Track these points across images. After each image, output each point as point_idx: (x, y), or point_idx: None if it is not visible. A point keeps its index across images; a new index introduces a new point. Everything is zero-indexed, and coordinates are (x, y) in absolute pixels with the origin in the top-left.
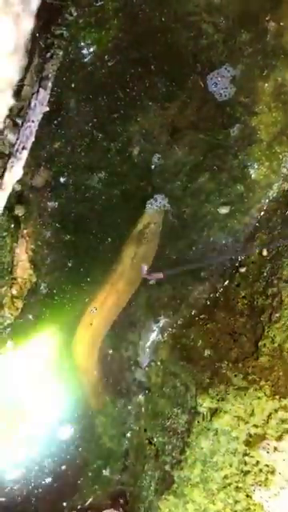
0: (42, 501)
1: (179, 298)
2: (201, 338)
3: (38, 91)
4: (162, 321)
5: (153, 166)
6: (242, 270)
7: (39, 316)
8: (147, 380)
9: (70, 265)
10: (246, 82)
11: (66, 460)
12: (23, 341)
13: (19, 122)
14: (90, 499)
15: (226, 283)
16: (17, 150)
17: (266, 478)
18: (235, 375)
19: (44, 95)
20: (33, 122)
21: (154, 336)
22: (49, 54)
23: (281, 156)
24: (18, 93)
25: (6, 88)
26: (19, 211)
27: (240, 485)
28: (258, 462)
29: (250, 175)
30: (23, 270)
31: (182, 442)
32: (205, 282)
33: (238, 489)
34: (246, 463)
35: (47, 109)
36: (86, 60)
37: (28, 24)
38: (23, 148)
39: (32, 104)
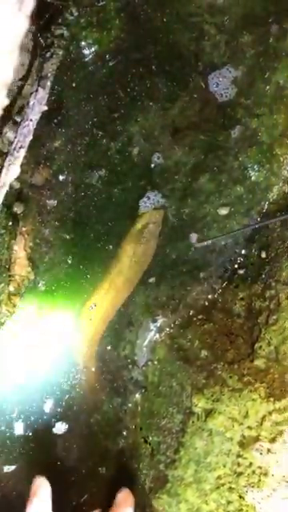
0: None
1: (177, 298)
2: (198, 338)
3: (37, 90)
4: (160, 320)
5: (153, 166)
6: (241, 271)
7: (37, 313)
8: (144, 379)
9: (68, 262)
10: (248, 84)
11: (60, 456)
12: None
13: (19, 120)
14: (85, 496)
15: (225, 284)
16: (14, 149)
17: (259, 480)
18: (230, 376)
19: (43, 94)
20: (31, 120)
21: (151, 335)
22: (49, 54)
23: (281, 158)
24: (19, 92)
25: (1, 88)
26: (18, 209)
27: (233, 486)
28: (251, 464)
29: (250, 177)
30: (21, 267)
31: (176, 442)
32: (203, 282)
33: (230, 489)
34: (239, 464)
35: (46, 108)
36: (87, 59)
37: (23, 24)
38: (21, 147)
39: (31, 103)
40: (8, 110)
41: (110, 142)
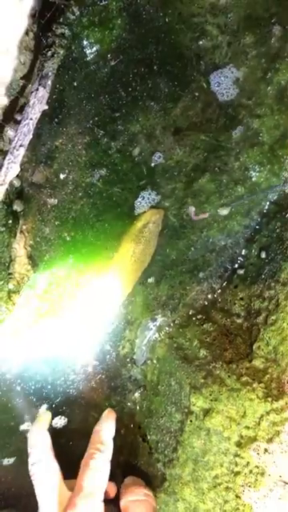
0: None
1: (177, 297)
2: (197, 338)
3: (37, 89)
4: (159, 320)
5: (153, 166)
6: (241, 271)
7: (37, 310)
8: (143, 378)
9: (68, 261)
10: (249, 84)
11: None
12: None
13: (19, 119)
14: None
15: (224, 284)
16: (14, 147)
17: (256, 480)
18: (229, 376)
19: (43, 93)
20: (31, 119)
21: (150, 334)
22: (50, 53)
23: (282, 159)
24: (21, 91)
25: None
26: (18, 207)
27: (230, 485)
28: (248, 463)
29: (250, 177)
30: (21, 265)
31: (174, 441)
32: (203, 282)
33: (227, 489)
34: (236, 464)
35: (46, 107)
36: (88, 59)
37: (22, 24)
38: (21, 145)
39: (31, 102)
40: (9, 108)
41: (111, 141)
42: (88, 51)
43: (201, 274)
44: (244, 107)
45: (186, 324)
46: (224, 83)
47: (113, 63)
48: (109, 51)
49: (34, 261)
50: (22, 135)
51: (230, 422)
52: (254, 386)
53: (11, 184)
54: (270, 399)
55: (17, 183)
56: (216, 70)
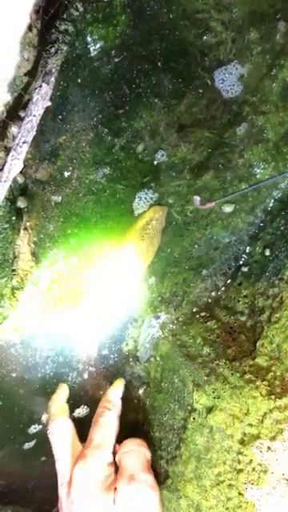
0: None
1: (181, 294)
2: (200, 335)
3: (40, 86)
4: (163, 317)
5: (157, 163)
6: (245, 269)
7: (42, 307)
8: (146, 375)
9: (72, 257)
10: (254, 81)
11: None
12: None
13: (23, 115)
14: None
15: (228, 282)
16: (18, 144)
17: (259, 477)
18: (232, 374)
19: (46, 90)
20: (34, 116)
21: (154, 332)
22: (53, 49)
23: (287, 156)
24: (25, 87)
25: (0, 84)
26: (22, 203)
27: (233, 482)
28: (251, 461)
29: (255, 174)
30: (24, 262)
31: (177, 438)
32: (207, 279)
33: (230, 486)
34: (239, 461)
35: (50, 103)
36: (92, 55)
37: (23, 20)
38: (24, 142)
39: (34, 98)
40: (13, 105)
41: (115, 138)
42: (92, 48)
43: (204, 272)
44: (248, 104)
45: (190, 321)
46: (228, 80)
47: (117, 60)
48: (113, 48)
49: (37, 257)
50: (25, 132)
51: (232, 420)
52: (258, 383)
53: (15, 181)
54: (273, 397)
55: (20, 180)
56: (220, 66)
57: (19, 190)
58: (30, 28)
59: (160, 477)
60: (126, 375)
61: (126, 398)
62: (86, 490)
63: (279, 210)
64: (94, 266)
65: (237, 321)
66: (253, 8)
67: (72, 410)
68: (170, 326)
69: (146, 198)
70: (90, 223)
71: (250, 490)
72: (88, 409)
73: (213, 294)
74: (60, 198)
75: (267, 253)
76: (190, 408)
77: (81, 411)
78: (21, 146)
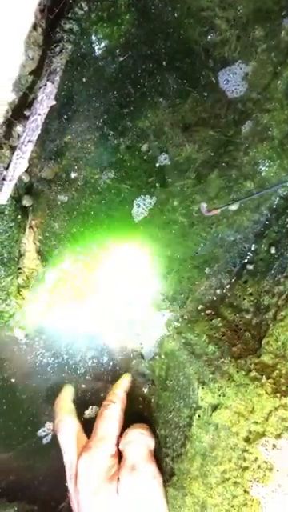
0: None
1: (185, 292)
2: (205, 333)
3: (45, 85)
4: (168, 315)
5: (162, 163)
6: (250, 266)
7: (48, 305)
8: (151, 373)
9: (77, 256)
10: (259, 79)
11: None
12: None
13: (28, 114)
14: None
15: (234, 279)
16: (23, 143)
17: (264, 475)
18: (237, 371)
19: (51, 89)
20: (39, 115)
21: (159, 329)
22: (58, 48)
23: None
24: (30, 86)
25: (7, 83)
26: (27, 202)
27: (238, 480)
28: (256, 459)
29: (260, 172)
30: (30, 260)
31: (183, 436)
32: (212, 277)
33: (236, 484)
34: (245, 459)
35: (54, 102)
36: (97, 54)
37: (28, 19)
38: (29, 141)
39: (39, 97)
40: (19, 104)
41: (120, 137)
42: (96, 47)
43: (210, 270)
44: (253, 102)
45: (195, 319)
46: (233, 80)
47: (121, 59)
48: (117, 47)
49: (43, 256)
50: (30, 131)
51: (238, 418)
52: (263, 381)
53: (20, 179)
54: (278, 395)
55: (26, 178)
56: (224, 67)
57: (24, 189)
58: (34, 27)
59: (165, 474)
60: (131, 373)
61: (131, 396)
62: (91, 481)
63: (284, 208)
64: (99, 264)
65: (242, 319)
66: (257, 5)
67: (81, 412)
68: (175, 323)
69: (144, 205)
70: (95, 222)
71: (255, 487)
72: (97, 408)
73: (218, 291)
74: (65, 196)
75: (273, 251)
76: (195, 406)
77: (90, 412)
78: (26, 145)
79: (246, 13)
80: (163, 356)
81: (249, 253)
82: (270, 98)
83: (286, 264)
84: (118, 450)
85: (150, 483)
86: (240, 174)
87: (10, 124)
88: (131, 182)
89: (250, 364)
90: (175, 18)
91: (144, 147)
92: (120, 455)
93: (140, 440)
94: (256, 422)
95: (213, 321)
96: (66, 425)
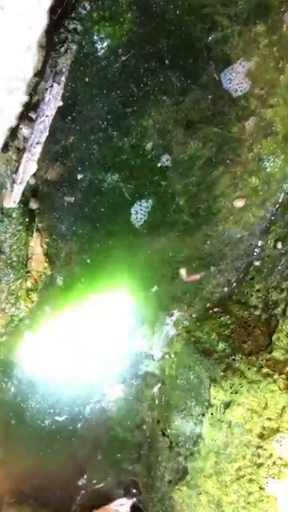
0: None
1: (193, 291)
2: (214, 331)
3: (52, 86)
4: (176, 314)
5: (167, 161)
6: (257, 263)
7: (56, 307)
8: (161, 372)
9: (84, 258)
10: (261, 74)
11: (78, 441)
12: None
13: (34, 116)
14: (101, 484)
15: (241, 276)
16: (31, 145)
17: (279, 471)
18: (249, 368)
19: (58, 90)
20: (47, 116)
21: (167, 329)
22: (63, 49)
23: None
24: (34, 88)
25: (21, 85)
26: (34, 205)
27: (253, 477)
28: (271, 455)
29: (265, 168)
30: (38, 263)
31: (195, 434)
32: (219, 275)
33: (251, 481)
34: (259, 456)
35: (61, 103)
36: (99, 54)
37: (41, 21)
38: (37, 143)
39: (46, 99)
40: (24, 106)
41: (124, 137)
42: (99, 46)
43: (216, 268)
44: (256, 97)
45: (203, 317)
46: (236, 79)
47: (124, 58)
48: (120, 46)
49: (50, 258)
50: (38, 132)
51: (251, 414)
52: (275, 377)
53: (27, 182)
54: None
55: (31, 181)
56: (227, 66)
57: (31, 191)
58: None
59: (178, 473)
60: (140, 373)
61: (140, 397)
62: None
63: None
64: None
65: (251, 315)
66: (258, 1)
67: None
68: (184, 322)
69: (137, 215)
70: (101, 223)
71: (270, 483)
72: None
73: (225, 289)
74: (70, 198)
75: (279, 246)
76: (207, 404)
77: None
78: (34, 147)
79: (246, 8)
80: (173, 355)
81: (255, 249)
82: (272, 94)
83: None
84: None
85: None
86: (245, 170)
87: (15, 127)
88: (136, 181)
89: (262, 360)
90: (177, 16)
91: (148, 146)
92: None
93: None
94: (270, 418)
95: (221, 318)
96: None
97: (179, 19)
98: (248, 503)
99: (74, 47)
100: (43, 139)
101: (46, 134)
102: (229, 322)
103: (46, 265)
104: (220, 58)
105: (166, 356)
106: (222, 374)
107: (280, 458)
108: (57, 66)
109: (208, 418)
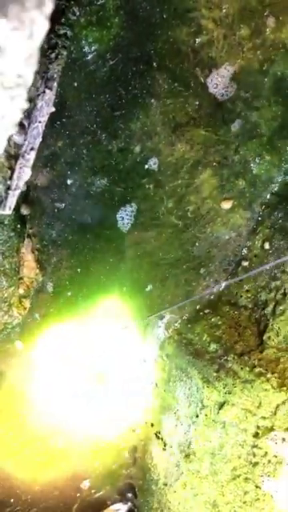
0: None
1: (183, 294)
2: (206, 332)
3: (44, 92)
4: (167, 317)
5: (155, 164)
6: (245, 263)
7: (46, 314)
8: (154, 375)
9: (74, 263)
10: (246, 77)
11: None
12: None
13: (25, 123)
14: (101, 492)
15: (229, 277)
16: (25, 151)
17: (275, 469)
18: (241, 368)
19: (50, 96)
20: (40, 122)
21: (159, 332)
22: (54, 55)
23: (282, 150)
24: None
25: (22, 92)
26: (25, 210)
27: (249, 476)
28: (266, 453)
29: (251, 170)
30: (30, 269)
31: (190, 436)
32: (208, 277)
33: (246, 480)
34: (254, 455)
35: (53, 109)
36: (88, 59)
37: (43, 27)
38: (31, 149)
39: (38, 105)
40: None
41: (112, 140)
42: (87, 51)
43: (206, 270)
44: (242, 100)
45: (194, 319)
46: (221, 84)
47: (112, 62)
48: (107, 50)
49: (41, 264)
50: (32, 138)
51: (245, 414)
52: (268, 376)
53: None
54: (284, 388)
55: (23, 187)
56: (212, 71)
57: (22, 197)
58: None
59: (174, 475)
60: (133, 378)
61: (132, 399)
62: None
63: (276, 204)
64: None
65: (241, 315)
66: (242, 5)
67: None
68: (175, 324)
69: (123, 221)
70: (90, 228)
71: (266, 482)
72: None
73: (215, 290)
74: (60, 203)
75: (267, 246)
76: (200, 405)
77: None
78: (28, 153)
79: (231, 12)
80: (165, 358)
81: (243, 250)
82: (257, 96)
83: (281, 258)
84: None
85: None
86: (232, 172)
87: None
88: (124, 184)
89: (254, 360)
90: (163, 20)
91: (137, 149)
92: None
93: None
94: (264, 417)
95: (212, 319)
96: None
97: (165, 23)
98: (244, 502)
99: (65, 53)
100: (37, 145)
101: (40, 139)
102: (220, 322)
103: (37, 271)
104: (206, 62)
105: (159, 359)
106: (214, 374)
107: (275, 456)
108: (48, 72)
109: (202, 419)
